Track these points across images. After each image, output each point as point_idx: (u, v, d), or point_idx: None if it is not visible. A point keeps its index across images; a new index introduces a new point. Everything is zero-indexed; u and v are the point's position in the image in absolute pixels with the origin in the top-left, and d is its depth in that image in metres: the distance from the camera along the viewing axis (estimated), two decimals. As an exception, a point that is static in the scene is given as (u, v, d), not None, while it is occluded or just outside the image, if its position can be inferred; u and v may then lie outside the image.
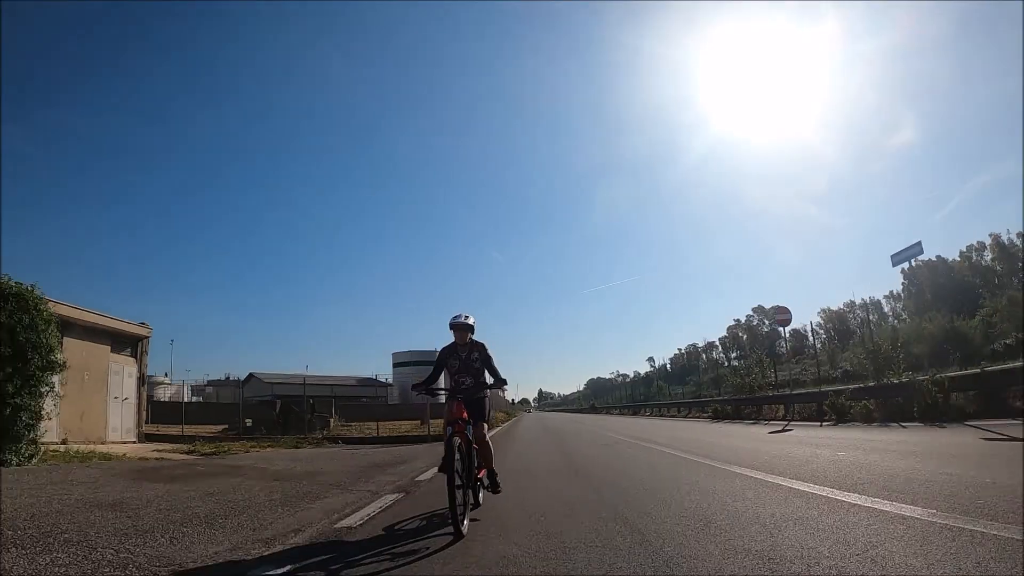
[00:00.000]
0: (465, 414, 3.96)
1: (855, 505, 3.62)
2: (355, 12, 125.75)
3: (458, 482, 3.48)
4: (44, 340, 7.08)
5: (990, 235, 57.49)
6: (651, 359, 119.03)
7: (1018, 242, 55.09)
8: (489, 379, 4.41)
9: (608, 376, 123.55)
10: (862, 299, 69.66)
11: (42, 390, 7.16)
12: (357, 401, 38.45)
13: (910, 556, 2.43)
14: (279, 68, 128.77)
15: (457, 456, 3.59)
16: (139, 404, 14.55)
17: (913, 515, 3.19)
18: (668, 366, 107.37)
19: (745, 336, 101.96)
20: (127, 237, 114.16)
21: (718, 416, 21.46)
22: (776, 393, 19.53)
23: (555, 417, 48.73)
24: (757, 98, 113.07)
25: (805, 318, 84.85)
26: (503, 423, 28.56)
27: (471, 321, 4.43)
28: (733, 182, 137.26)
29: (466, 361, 4.39)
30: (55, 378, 7.64)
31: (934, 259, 62.17)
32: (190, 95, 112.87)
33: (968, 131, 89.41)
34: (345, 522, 4.02)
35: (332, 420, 23.34)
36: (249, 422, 24.41)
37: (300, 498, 5.16)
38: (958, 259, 57.69)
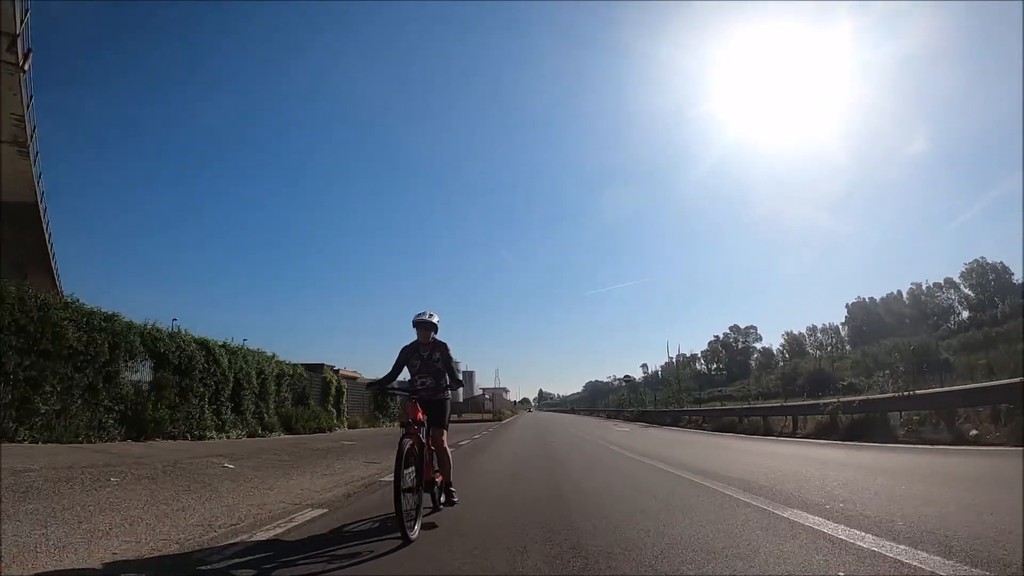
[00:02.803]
0: (420, 415, 3.90)
1: (602, 447, 18.91)
2: (366, 12, 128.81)
3: (407, 485, 3.45)
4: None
5: (912, 283, 70.57)
6: (644, 366, 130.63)
7: (937, 293, 67.68)
8: (446, 380, 4.39)
9: (605, 380, 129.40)
10: (823, 324, 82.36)
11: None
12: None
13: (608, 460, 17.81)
14: (306, 68, 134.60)
15: (407, 459, 3.54)
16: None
17: (631, 457, 18.40)
18: (659, 373, 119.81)
19: (724, 351, 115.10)
20: (131, 234, 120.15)
21: (609, 416, 42.26)
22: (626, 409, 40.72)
23: (546, 415, 77.20)
24: (770, 103, 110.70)
25: (797, 328, 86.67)
26: (510, 416, 44.74)
27: (435, 320, 4.39)
28: (745, 188, 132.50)
29: (428, 361, 4.36)
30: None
31: (866, 299, 76.71)
32: (191, 87, 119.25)
33: (984, 142, 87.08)
34: (485, 434, 19.32)
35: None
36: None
37: (468, 432, 20.36)
38: (896, 298, 71.03)
